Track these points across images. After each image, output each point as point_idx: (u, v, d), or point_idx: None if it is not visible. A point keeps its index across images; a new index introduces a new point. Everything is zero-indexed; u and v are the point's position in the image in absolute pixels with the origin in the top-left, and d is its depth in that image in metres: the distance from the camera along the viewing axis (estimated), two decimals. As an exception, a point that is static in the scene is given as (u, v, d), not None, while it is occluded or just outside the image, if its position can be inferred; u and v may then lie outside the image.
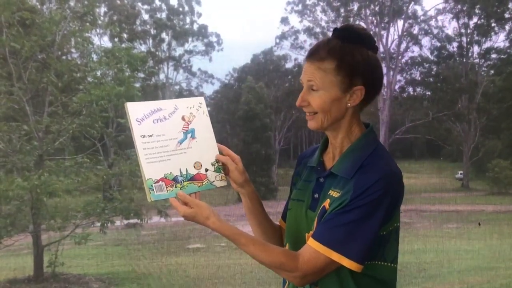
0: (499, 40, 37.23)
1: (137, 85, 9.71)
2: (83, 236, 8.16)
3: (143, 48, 37.82)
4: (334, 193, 1.23)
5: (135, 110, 1.29)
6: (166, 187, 1.27)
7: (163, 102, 1.34)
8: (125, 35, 32.75)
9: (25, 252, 10.90)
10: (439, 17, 37.42)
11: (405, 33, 36.45)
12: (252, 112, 31.54)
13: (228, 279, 8.36)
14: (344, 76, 1.23)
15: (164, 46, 41.29)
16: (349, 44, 1.24)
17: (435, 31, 37.49)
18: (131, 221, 10.26)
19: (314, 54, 1.26)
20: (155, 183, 1.26)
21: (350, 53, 1.23)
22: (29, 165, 8.37)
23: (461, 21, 36.38)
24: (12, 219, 7.80)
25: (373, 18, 36.02)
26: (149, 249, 12.93)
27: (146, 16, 40.38)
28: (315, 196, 1.29)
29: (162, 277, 8.86)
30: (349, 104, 1.25)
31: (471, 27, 36.10)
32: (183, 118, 1.34)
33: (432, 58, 37.92)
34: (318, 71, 1.24)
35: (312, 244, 1.19)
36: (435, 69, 37.98)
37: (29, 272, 8.45)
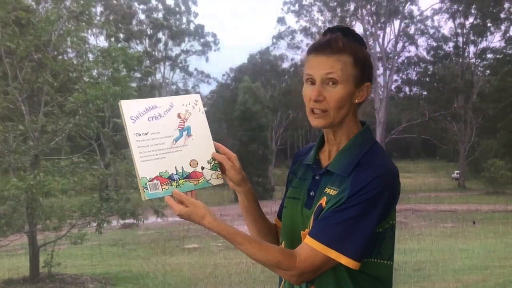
0: (495, 40, 37.51)
1: (134, 85, 9.70)
2: (79, 236, 8.14)
3: (140, 48, 37.74)
4: (331, 191, 1.23)
5: (129, 108, 1.28)
6: (161, 186, 1.26)
7: (158, 100, 1.32)
8: (121, 35, 32.72)
9: (21, 253, 10.84)
10: (435, 17, 37.72)
11: (401, 33, 36.54)
12: (248, 112, 31.52)
13: (225, 279, 8.35)
14: (359, 71, 1.24)
15: (161, 46, 41.25)
16: (355, 42, 1.26)
17: (431, 31, 37.66)
18: (127, 221, 10.24)
19: (330, 47, 1.23)
20: (149, 181, 1.25)
21: (360, 49, 1.26)
22: (24, 165, 8.33)
23: (457, 21, 36.52)
24: (8, 219, 7.76)
25: (370, 18, 36.06)
26: (145, 249, 12.90)
27: (142, 16, 40.34)
28: (311, 194, 1.29)
29: (158, 277, 8.84)
30: (356, 100, 1.26)
31: (467, 27, 36.22)
32: (178, 116, 1.34)
33: (428, 58, 38.04)
34: (338, 63, 1.22)
35: (309, 242, 1.19)
36: (431, 69, 38.12)
37: (25, 273, 8.42)
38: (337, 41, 1.23)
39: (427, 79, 38.22)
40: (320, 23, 38.12)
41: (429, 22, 37.53)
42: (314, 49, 1.25)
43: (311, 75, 1.24)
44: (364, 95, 1.26)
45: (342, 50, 1.22)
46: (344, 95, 1.23)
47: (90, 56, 9.57)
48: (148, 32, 40.26)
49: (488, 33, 35.51)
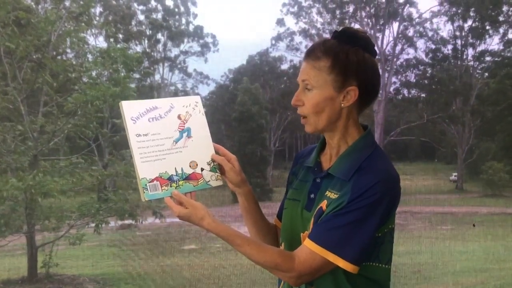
0: (493, 43, 37.64)
1: (133, 85, 9.68)
2: (77, 236, 8.12)
3: (139, 48, 37.73)
4: (332, 195, 1.23)
5: (130, 108, 1.28)
6: (161, 187, 1.27)
7: (159, 101, 1.33)
8: (120, 36, 32.71)
9: (19, 253, 10.83)
10: (434, 20, 37.61)
11: (400, 36, 36.59)
12: (247, 113, 31.54)
13: (223, 280, 8.35)
14: (338, 75, 1.23)
15: (160, 46, 41.23)
16: (345, 45, 1.24)
17: (430, 33, 37.69)
18: (126, 222, 10.24)
19: (310, 54, 1.27)
20: (149, 182, 1.25)
21: (345, 52, 1.24)
22: (23, 165, 8.32)
23: (455, 24, 36.57)
24: (6, 220, 7.75)
25: (369, 20, 36.11)
26: (144, 250, 12.89)
27: (141, 17, 40.32)
28: (311, 196, 1.29)
29: (157, 278, 8.83)
30: (342, 104, 1.25)
31: (465, 29, 36.29)
32: (179, 117, 1.34)
33: (427, 60, 38.08)
34: (313, 69, 1.25)
35: (308, 244, 1.19)
36: (430, 71, 38.15)
37: (23, 273, 8.40)
38: (316, 48, 1.26)
39: (426, 81, 38.27)
40: (319, 25, 38.19)
41: (428, 25, 37.61)
42: (304, 55, 1.29)
43: (298, 81, 1.29)
44: (350, 99, 1.24)
45: (319, 57, 1.24)
46: (319, 100, 1.24)
47: (90, 56, 9.57)
48: (147, 33, 40.25)
49: (487, 36, 35.61)
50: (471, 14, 35.48)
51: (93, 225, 8.53)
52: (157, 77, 41.02)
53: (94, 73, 8.87)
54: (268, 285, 7.20)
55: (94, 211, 8.27)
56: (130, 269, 9.89)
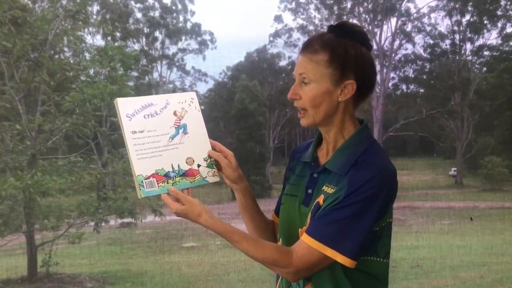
0: (491, 37, 37.46)
1: (131, 83, 9.67)
2: (77, 235, 8.12)
3: (136, 46, 37.71)
4: (328, 189, 1.22)
5: (125, 105, 1.28)
6: (157, 183, 1.26)
7: (154, 97, 1.32)
8: (118, 34, 32.50)
9: (19, 252, 10.83)
10: (432, 15, 37.70)
11: (398, 31, 36.59)
12: (246, 111, 31.52)
13: (223, 277, 8.36)
14: (335, 69, 1.23)
15: (158, 44, 41.22)
16: (342, 39, 1.24)
17: (428, 28, 37.73)
18: (125, 220, 10.22)
19: (307, 47, 1.26)
20: (145, 179, 1.25)
21: (343, 46, 1.23)
22: (22, 164, 8.30)
23: (453, 19, 36.59)
24: (5, 219, 7.73)
25: (367, 16, 36.10)
26: (143, 248, 12.90)
27: (139, 15, 40.30)
28: (309, 191, 1.29)
29: (156, 276, 8.83)
30: (340, 98, 1.25)
31: (463, 24, 36.30)
32: (175, 113, 1.33)
33: (425, 55, 38.10)
34: (311, 63, 1.24)
35: (306, 239, 1.19)
36: (428, 66, 38.18)
37: (23, 272, 8.40)
38: (314, 42, 1.25)
39: (424, 76, 38.30)
40: (317, 21, 38.20)
41: (425, 20, 37.67)
42: (300, 49, 1.29)
43: (294, 75, 1.28)
44: (348, 93, 1.24)
45: (317, 50, 1.24)
46: (317, 94, 1.23)
47: (87, 55, 9.52)
48: (145, 31, 40.22)
49: (485, 31, 35.64)
50: (469, 8, 35.49)
51: (92, 223, 8.52)
52: (155, 75, 41.07)
53: (91, 72, 8.83)
54: (267, 281, 7.21)
55: (93, 209, 8.25)
56: (130, 267, 9.89)
